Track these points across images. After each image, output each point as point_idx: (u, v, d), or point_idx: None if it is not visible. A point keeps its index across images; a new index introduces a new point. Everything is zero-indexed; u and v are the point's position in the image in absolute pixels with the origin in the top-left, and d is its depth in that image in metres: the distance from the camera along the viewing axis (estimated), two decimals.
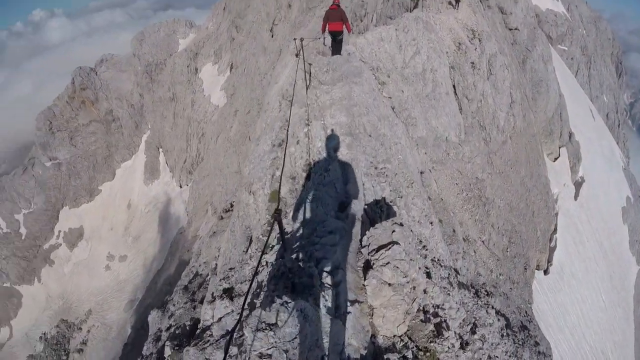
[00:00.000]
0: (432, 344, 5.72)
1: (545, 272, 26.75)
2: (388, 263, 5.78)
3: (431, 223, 9.05)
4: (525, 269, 16.87)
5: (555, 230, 27.09)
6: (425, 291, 6.15)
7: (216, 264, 13.34)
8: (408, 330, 5.76)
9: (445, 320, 6.08)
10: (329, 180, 7.79)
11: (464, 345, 6.41)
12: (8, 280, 68.09)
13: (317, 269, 5.37)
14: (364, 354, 4.89)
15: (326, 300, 4.99)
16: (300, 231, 6.55)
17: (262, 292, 5.50)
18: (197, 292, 17.17)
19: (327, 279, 5.28)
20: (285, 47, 42.52)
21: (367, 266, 6.16)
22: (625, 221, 43.28)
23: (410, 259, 6.00)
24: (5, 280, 68.00)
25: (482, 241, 12.80)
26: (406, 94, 13.27)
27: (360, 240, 6.73)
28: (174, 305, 17.55)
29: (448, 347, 5.92)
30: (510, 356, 8.61)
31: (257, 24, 55.48)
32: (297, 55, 12.42)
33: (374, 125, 10.23)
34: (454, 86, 16.39)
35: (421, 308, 6.00)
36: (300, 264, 5.48)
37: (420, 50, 15.95)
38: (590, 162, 38.88)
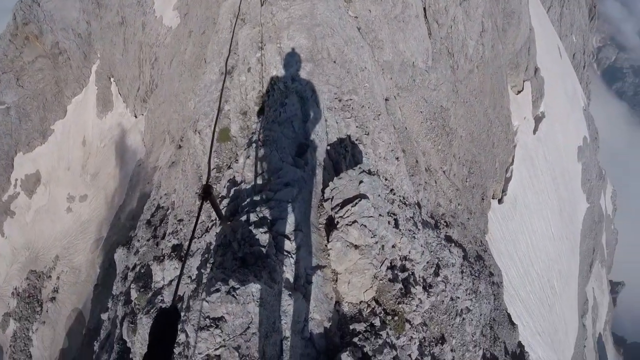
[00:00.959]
0: (400, 305, 5.45)
1: (500, 201, 27.98)
2: (355, 222, 5.13)
3: (397, 158, 8.42)
4: (483, 199, 17.44)
5: (512, 161, 27.95)
6: (394, 245, 5.65)
7: (173, 202, 12.45)
8: (375, 293, 5.32)
9: (412, 273, 5.81)
10: (286, 117, 6.75)
11: (427, 289, 6.33)
12: None
13: (272, 232, 4.56)
14: (328, 326, 4.47)
15: (284, 271, 4.36)
16: (251, 183, 5.59)
17: (210, 258, 4.88)
18: (159, 228, 16.83)
19: (285, 244, 4.55)
20: None
21: (331, 224, 5.45)
22: (580, 160, 45.51)
23: (380, 215, 5.35)
24: None
25: (444, 171, 12.91)
26: (374, 13, 12.44)
27: (323, 192, 5.97)
28: (138, 241, 17.21)
29: (416, 305, 5.74)
30: (469, 294, 8.90)
31: None
32: None
33: (339, 50, 8.98)
34: (424, 9, 15.58)
35: (390, 265, 5.53)
36: (251, 228, 4.61)
37: None
38: (553, 99, 39.67)
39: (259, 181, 5.41)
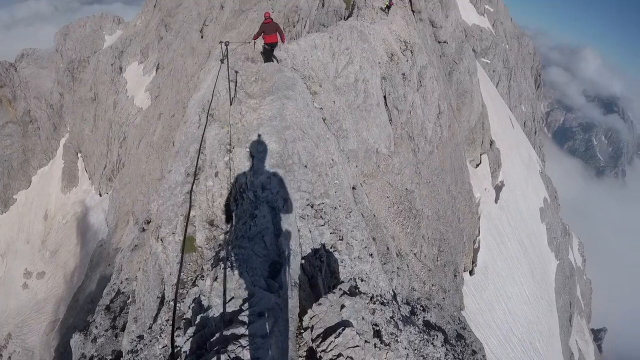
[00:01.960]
0: None
1: (471, 272, 28.17)
2: (340, 355, 4.66)
3: (371, 255, 8.25)
4: (455, 275, 17.51)
5: (478, 232, 28.58)
6: None
7: (134, 291, 11.61)
8: None
9: None
10: (257, 231, 6.31)
11: None
12: None
13: None
14: None
15: None
16: (220, 311, 4.89)
17: None
18: (118, 317, 15.92)
19: None
20: (214, 49, 40.85)
21: (312, 357, 4.90)
22: (543, 220, 47.24)
23: (365, 341, 4.97)
24: None
25: (414, 254, 12.99)
26: (338, 104, 13.11)
27: (301, 318, 5.43)
28: (96, 327, 16.16)
29: None
30: None
31: (187, 24, 53.45)
32: (222, 61, 10.82)
33: (310, 153, 8.81)
34: (384, 97, 16.58)
35: None
36: None
37: (353, 59, 15.96)
38: (510, 167, 41.93)
39: (229, 308, 4.83)
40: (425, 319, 10.91)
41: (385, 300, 7.16)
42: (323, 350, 4.72)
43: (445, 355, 9.61)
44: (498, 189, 36.95)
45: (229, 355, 4.06)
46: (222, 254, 6.44)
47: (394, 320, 6.45)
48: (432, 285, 14.03)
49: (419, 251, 14.04)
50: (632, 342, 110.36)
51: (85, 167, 71.39)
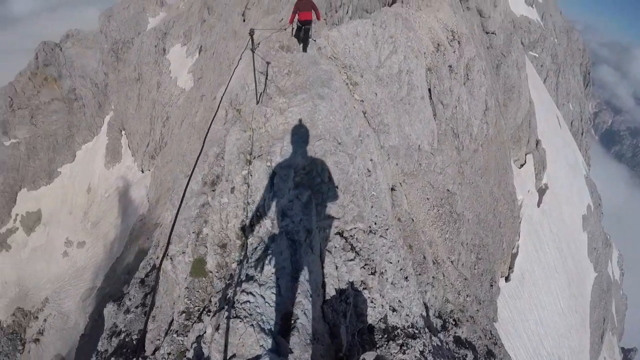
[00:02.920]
0: None
1: (507, 279, 26.78)
2: None
3: (406, 278, 7.15)
4: (491, 285, 16.40)
5: (518, 237, 27.11)
6: None
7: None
8: None
9: None
10: (270, 272, 5.28)
11: None
12: None
13: None
14: None
15: None
16: None
17: None
18: (149, 295, 16.49)
19: None
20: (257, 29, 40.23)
21: None
22: (585, 229, 44.68)
23: None
24: None
25: (452, 261, 12.06)
26: (380, 97, 12.21)
27: None
28: (129, 299, 16.90)
29: None
30: None
31: (230, 7, 53.32)
32: (252, 51, 9.66)
33: (343, 170, 7.30)
34: (429, 90, 15.49)
35: None
36: None
37: (397, 49, 14.93)
38: (555, 169, 39.58)
39: None
40: (457, 334, 10.18)
41: (416, 331, 6.42)
42: None
43: None
44: (541, 192, 34.98)
45: None
46: (230, 292, 5.51)
47: (424, 355, 5.67)
48: (467, 295, 13.07)
49: (457, 259, 13.06)
50: None
51: (129, 144, 73.74)
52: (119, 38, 79.70)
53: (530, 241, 30.89)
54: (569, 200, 42.98)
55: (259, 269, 5.41)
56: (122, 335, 12.37)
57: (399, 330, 5.28)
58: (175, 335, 6.54)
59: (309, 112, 7.90)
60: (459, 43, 18.42)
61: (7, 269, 64.86)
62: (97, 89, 77.64)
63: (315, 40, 13.23)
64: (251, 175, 7.16)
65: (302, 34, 12.12)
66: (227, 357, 4.11)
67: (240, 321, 4.42)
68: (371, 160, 8.57)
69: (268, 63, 10.37)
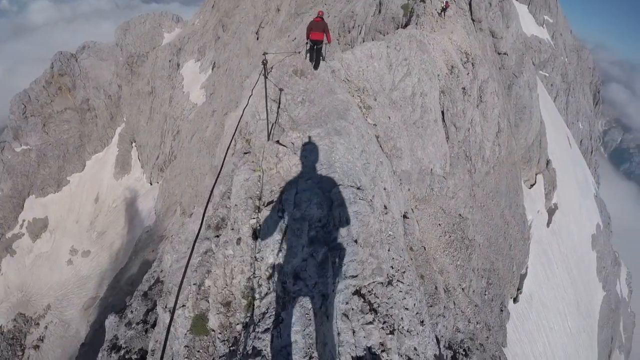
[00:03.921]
0: None
1: (515, 300, 26.40)
2: None
3: (422, 322, 6.64)
4: (502, 310, 16.17)
5: (527, 258, 26.80)
6: None
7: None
8: None
9: None
10: (279, 347, 4.72)
11: None
12: None
13: None
14: None
15: None
16: None
17: None
18: (151, 312, 16.28)
19: None
20: (270, 49, 40.74)
21: None
22: (594, 248, 44.14)
23: None
24: None
25: (462, 289, 11.91)
26: (393, 120, 12.22)
27: None
28: (131, 312, 16.82)
29: None
30: None
31: (244, 25, 54.27)
32: (264, 77, 9.26)
33: (363, 222, 6.49)
34: (442, 112, 15.47)
35: None
36: None
37: (411, 71, 15.00)
38: (564, 189, 39.23)
39: None
40: None
41: None
42: None
43: None
44: (551, 211, 34.63)
45: None
46: None
47: None
48: (477, 322, 12.89)
49: (468, 285, 12.90)
50: None
51: (139, 156, 75.22)
52: (134, 51, 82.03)
53: (539, 262, 30.51)
54: (578, 219, 42.54)
55: (267, 341, 4.91)
56: (122, 352, 12.11)
57: None
58: None
59: (326, 152, 7.21)
60: (472, 65, 18.45)
61: (10, 274, 65.33)
62: (110, 101, 79.67)
63: (325, 61, 13.33)
64: (260, 226, 6.45)
65: (315, 54, 12.63)
66: None
67: None
68: (385, 189, 8.41)
69: (281, 90, 9.96)
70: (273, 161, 7.22)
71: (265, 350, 4.85)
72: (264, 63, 8.35)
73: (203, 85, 67.38)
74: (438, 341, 8.54)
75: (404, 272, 6.72)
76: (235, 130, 8.00)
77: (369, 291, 6.06)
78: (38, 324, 58.24)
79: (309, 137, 7.57)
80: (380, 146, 11.15)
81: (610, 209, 61.32)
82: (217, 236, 7.29)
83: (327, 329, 5.15)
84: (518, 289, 26.81)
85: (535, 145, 29.41)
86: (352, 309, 5.71)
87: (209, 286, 6.69)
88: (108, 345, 13.84)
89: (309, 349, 4.71)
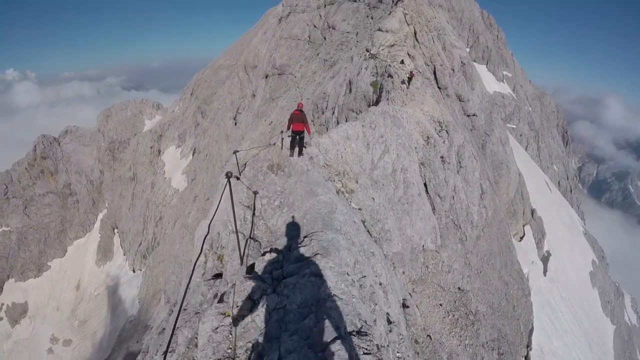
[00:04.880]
0: None
1: (527, 358, 25.33)
2: None
3: None
4: None
5: (531, 313, 26.10)
6: None
7: None
8: None
9: None
10: None
11: None
12: None
13: None
14: None
15: None
16: None
17: None
18: None
19: None
20: (247, 136, 41.99)
21: None
22: (595, 285, 43.81)
23: None
24: None
25: None
26: (377, 201, 12.21)
27: None
28: None
29: None
30: None
31: (222, 112, 56.79)
32: (237, 178, 8.38)
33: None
34: (425, 184, 15.63)
35: None
36: None
37: (389, 147, 15.33)
38: (554, 234, 39.55)
39: None
40: None
41: None
42: None
43: None
44: (545, 259, 34.56)
45: None
46: None
47: None
48: None
49: None
50: None
51: (121, 242, 74.49)
52: (115, 137, 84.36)
53: (544, 313, 29.84)
54: (573, 261, 42.60)
55: None
56: None
57: None
58: None
59: (313, 288, 5.60)
60: (447, 132, 19.08)
61: None
62: (92, 186, 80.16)
63: (305, 147, 13.53)
64: None
65: (297, 142, 12.84)
66: None
67: None
68: (380, 284, 7.71)
69: (255, 193, 9.05)
70: (246, 306, 5.72)
71: None
72: (229, 177, 6.66)
73: (184, 171, 68.91)
74: None
75: None
76: (203, 242, 6.53)
77: None
78: None
79: (291, 269, 6.16)
80: (368, 231, 10.98)
81: (601, 240, 61.79)
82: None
83: None
84: (527, 346, 25.79)
85: (518, 197, 29.88)
86: None
87: None
88: None
89: None
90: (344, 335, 4.91)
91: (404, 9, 30.26)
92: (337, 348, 4.57)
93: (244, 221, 8.24)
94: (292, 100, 38.24)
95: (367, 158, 14.58)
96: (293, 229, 7.47)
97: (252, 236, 7.82)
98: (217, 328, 5.61)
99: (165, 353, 3.30)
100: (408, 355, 6.31)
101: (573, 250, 44.89)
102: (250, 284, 5.96)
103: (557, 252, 37.94)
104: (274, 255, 6.72)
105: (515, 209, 28.38)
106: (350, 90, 26.95)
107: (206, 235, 5.55)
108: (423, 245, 13.06)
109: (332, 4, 47.17)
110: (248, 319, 5.59)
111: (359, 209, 11.78)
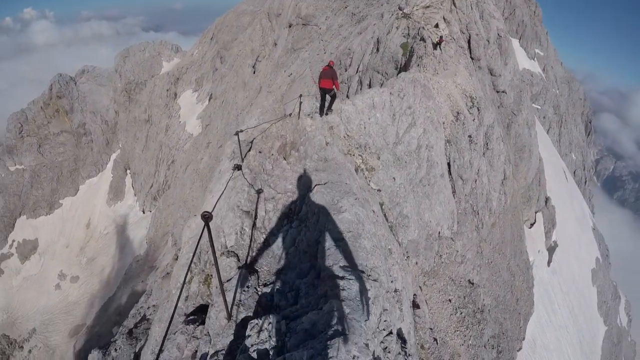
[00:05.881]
0: None
1: (518, 349, 25.21)
2: None
3: None
4: None
5: (532, 308, 25.68)
6: None
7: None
8: None
9: None
10: None
11: None
12: None
13: None
14: None
15: None
16: None
17: None
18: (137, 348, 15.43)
19: None
20: (265, 85, 40.14)
21: None
22: (595, 283, 43.53)
23: None
24: None
25: None
26: (398, 181, 11.19)
27: None
28: (115, 349, 15.90)
29: None
30: None
31: (241, 58, 54.81)
32: (239, 168, 7.25)
33: None
34: (448, 164, 14.47)
35: None
36: None
37: (416, 121, 14.08)
38: (563, 225, 38.60)
39: None
40: None
41: None
42: None
43: None
44: (551, 250, 33.83)
45: None
46: None
47: None
48: None
49: None
50: None
51: (133, 183, 75.34)
52: (132, 79, 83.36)
53: (542, 304, 29.56)
54: (578, 255, 41.97)
55: None
56: None
57: None
58: None
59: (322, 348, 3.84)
60: (478, 110, 17.67)
61: None
62: (106, 126, 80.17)
63: (327, 114, 12.39)
64: None
65: (324, 102, 13.07)
66: None
67: None
68: (396, 291, 6.17)
69: (259, 192, 7.20)
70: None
71: None
72: (206, 219, 3.79)
73: (199, 116, 67.95)
74: None
75: None
76: (192, 260, 5.06)
77: None
78: (22, 347, 56.96)
79: (295, 343, 4.15)
80: (385, 215, 9.99)
81: (606, 237, 61.04)
82: None
83: None
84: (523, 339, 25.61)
85: (535, 183, 28.66)
86: None
87: None
88: None
89: None
90: None
91: None
92: None
93: (240, 235, 6.35)
94: (315, 53, 36.34)
95: (391, 131, 13.36)
96: (302, 261, 5.52)
97: (248, 261, 5.96)
98: None
99: None
100: None
101: (580, 244, 44.14)
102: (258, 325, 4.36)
103: (564, 243, 37.20)
104: (275, 297, 4.90)
105: (531, 194, 27.26)
106: (378, 50, 25.12)
107: (196, 249, 3.75)
108: (439, 232, 12.17)
109: None
110: None
111: (378, 189, 10.75)
